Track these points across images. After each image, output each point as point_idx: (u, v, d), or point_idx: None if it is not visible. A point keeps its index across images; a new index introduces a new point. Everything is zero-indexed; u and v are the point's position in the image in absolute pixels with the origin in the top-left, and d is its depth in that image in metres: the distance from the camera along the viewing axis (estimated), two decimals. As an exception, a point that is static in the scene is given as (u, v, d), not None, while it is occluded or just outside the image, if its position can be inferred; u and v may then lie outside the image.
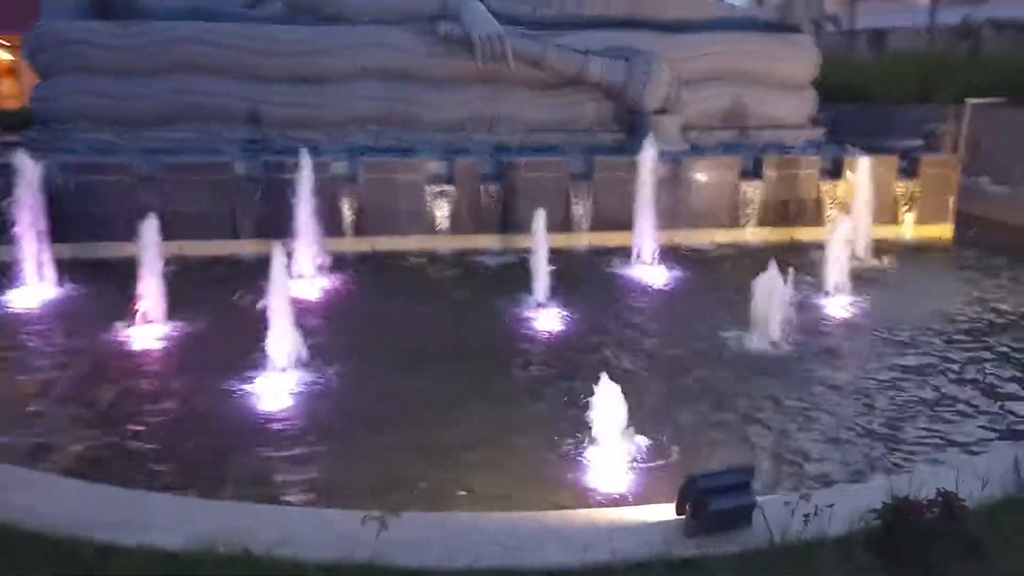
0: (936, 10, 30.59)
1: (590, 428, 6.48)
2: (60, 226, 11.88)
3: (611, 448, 6.37)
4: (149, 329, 9.28)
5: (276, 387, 7.77)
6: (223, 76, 14.57)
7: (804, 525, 4.63)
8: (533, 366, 8.54)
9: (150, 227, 9.61)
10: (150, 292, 9.45)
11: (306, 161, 11.70)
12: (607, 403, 6.23)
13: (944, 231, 14.93)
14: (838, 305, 10.50)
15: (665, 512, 4.99)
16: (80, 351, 8.88)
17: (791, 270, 9.13)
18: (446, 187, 13.34)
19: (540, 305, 10.07)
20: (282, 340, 8.00)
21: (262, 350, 8.00)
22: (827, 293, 10.71)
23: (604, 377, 6.24)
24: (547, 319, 9.78)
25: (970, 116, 17.79)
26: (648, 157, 12.53)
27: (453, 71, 15.07)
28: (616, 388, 6.27)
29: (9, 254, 11.05)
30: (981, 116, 17.56)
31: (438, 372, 8.29)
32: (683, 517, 4.86)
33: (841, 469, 6.47)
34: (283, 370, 7.98)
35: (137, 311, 9.32)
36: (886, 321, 10.03)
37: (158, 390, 7.90)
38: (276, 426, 7.13)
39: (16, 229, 11.00)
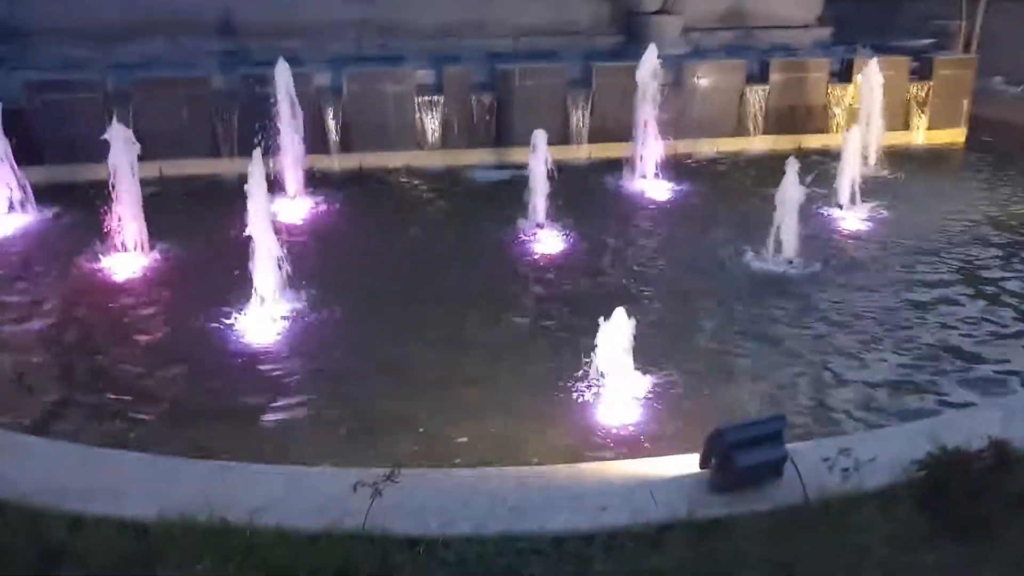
0: None
1: (600, 365, 6.02)
2: (29, 148, 11.22)
3: (624, 387, 5.94)
4: (127, 258, 8.71)
5: (258, 322, 7.28)
6: (194, -18, 13.63)
7: (842, 480, 4.22)
8: (535, 296, 8.05)
9: (123, 141, 8.81)
10: (128, 217, 8.83)
11: (284, 72, 10.87)
12: (618, 337, 5.77)
13: (957, 136, 14.27)
14: (853, 218, 9.97)
15: (687, 464, 4.59)
16: (56, 284, 8.34)
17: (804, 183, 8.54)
18: (435, 98, 12.59)
19: (539, 226, 9.50)
20: (265, 271, 7.46)
21: (245, 281, 7.47)
22: (840, 206, 10.16)
23: (618, 311, 5.73)
24: (547, 241, 9.24)
25: (983, 10, 16.89)
26: (649, 61, 11.73)
27: (438, -30, 14.13)
28: (627, 321, 5.80)
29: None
30: (995, 10, 16.66)
31: (435, 304, 7.79)
32: (708, 471, 4.46)
33: (871, 407, 6.04)
34: (265, 303, 7.47)
35: (113, 239, 8.75)
36: (904, 236, 9.53)
37: (136, 327, 7.40)
38: (259, 366, 6.68)
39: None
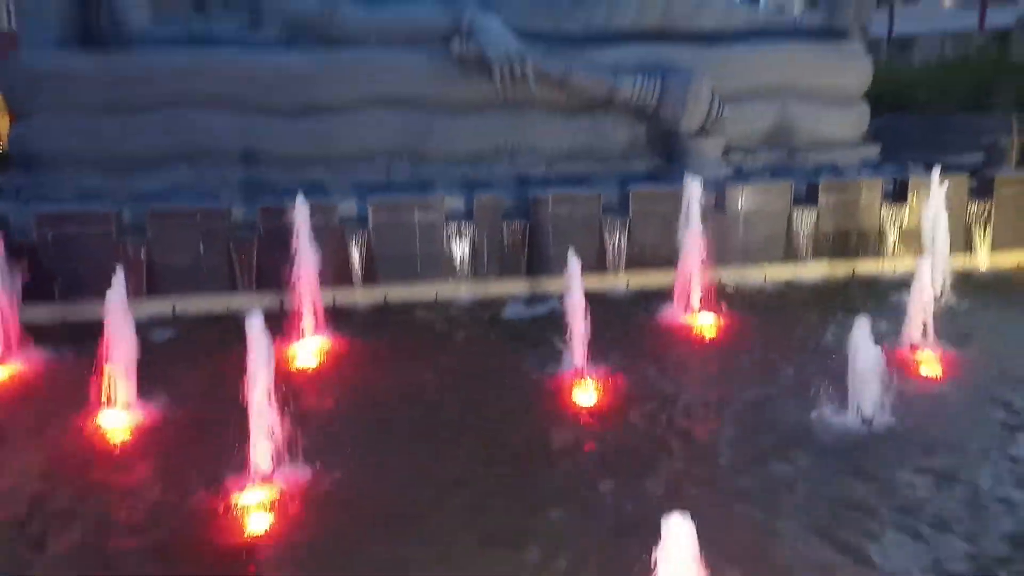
0: (985, 13, 29.06)
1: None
2: (40, 285, 10.70)
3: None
4: (118, 417, 7.87)
5: (257, 503, 6.33)
6: (219, 110, 13.30)
7: None
8: (572, 467, 6.94)
9: (116, 287, 8.08)
10: (121, 368, 8.02)
11: (305, 205, 10.22)
12: (678, 546, 4.68)
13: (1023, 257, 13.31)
14: (929, 361, 8.91)
15: None
16: (31, 449, 7.48)
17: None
18: (465, 224, 11.92)
19: (577, 371, 8.58)
20: (265, 440, 6.54)
21: (246, 449, 6.53)
22: (913, 346, 9.11)
23: (674, 517, 4.64)
24: (585, 391, 8.29)
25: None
26: (690, 185, 10.95)
27: (469, 96, 13.70)
28: (689, 528, 4.68)
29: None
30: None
31: (457, 476, 6.78)
32: None
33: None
34: (268, 477, 6.53)
35: (104, 394, 7.94)
36: (993, 385, 8.42)
37: (113, 509, 6.45)
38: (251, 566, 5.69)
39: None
